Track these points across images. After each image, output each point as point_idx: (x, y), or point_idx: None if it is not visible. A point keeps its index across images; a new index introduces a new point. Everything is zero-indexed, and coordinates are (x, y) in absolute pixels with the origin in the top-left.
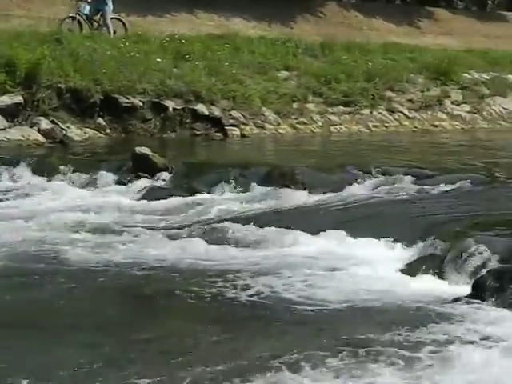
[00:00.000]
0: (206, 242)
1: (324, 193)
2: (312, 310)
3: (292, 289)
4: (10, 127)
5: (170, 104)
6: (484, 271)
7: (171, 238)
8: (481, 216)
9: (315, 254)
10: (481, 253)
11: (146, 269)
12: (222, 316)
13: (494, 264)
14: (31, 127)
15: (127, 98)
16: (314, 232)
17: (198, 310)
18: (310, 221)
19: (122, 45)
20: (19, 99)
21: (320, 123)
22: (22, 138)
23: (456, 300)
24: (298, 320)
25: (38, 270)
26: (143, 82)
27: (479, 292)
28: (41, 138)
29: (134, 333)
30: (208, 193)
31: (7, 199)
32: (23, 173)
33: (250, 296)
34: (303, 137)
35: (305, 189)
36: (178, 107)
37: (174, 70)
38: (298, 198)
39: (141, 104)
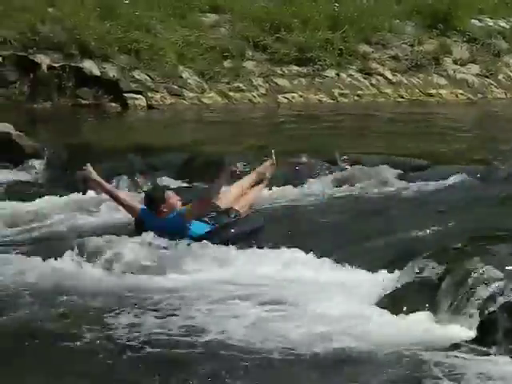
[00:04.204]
0: (92, 264)
1: (268, 191)
2: (259, 359)
3: (232, 328)
4: None
5: (44, 60)
6: (494, 306)
7: (40, 257)
8: (488, 225)
9: (263, 279)
10: (489, 279)
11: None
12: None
13: (508, 296)
14: None
15: None
16: (258, 249)
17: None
18: None
19: None
20: None
21: (263, 90)
22: None
23: (455, 347)
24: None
25: None
26: (3, 28)
27: (487, 336)
28: None
29: None
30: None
31: None
32: None
33: (170, 333)
34: (238, 109)
35: None
36: (56, 65)
37: (50, 9)
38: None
39: (0, 59)
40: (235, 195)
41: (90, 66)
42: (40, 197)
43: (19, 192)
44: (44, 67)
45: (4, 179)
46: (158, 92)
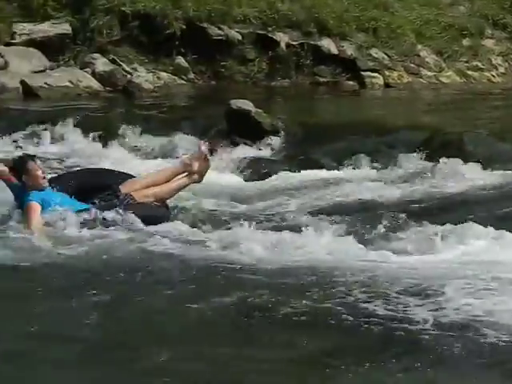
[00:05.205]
0: (347, 240)
1: (508, 170)
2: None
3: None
4: (52, 68)
5: (282, 38)
6: None
7: (287, 232)
8: None
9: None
10: None
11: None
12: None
13: None
14: (82, 69)
15: (220, 29)
16: (501, 230)
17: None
18: (492, 213)
19: None
20: (66, 28)
21: (502, 69)
22: (69, 85)
23: None
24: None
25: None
26: (244, 6)
27: None
28: (96, 85)
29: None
30: (336, 168)
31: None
32: (69, 134)
33: (404, 319)
34: (477, 88)
35: (480, 164)
36: (294, 43)
37: None
38: (470, 177)
39: (240, 37)
40: (144, 184)
41: (327, 44)
42: (279, 174)
43: (257, 168)
44: (283, 45)
45: (244, 155)
46: (395, 70)
